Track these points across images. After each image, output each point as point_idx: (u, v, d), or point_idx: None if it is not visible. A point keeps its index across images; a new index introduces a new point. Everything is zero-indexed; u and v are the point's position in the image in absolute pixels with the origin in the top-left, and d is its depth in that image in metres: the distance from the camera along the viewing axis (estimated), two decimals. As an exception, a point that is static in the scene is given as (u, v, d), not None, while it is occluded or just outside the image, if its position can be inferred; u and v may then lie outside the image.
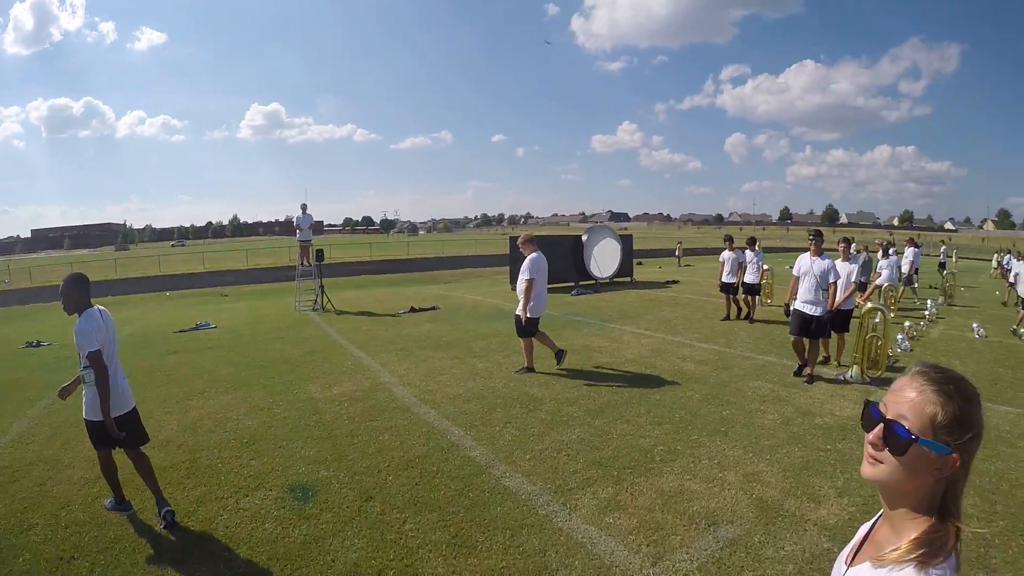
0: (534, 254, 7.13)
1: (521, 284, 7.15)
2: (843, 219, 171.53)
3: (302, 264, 14.79)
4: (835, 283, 6.79)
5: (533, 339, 7.22)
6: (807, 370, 6.87)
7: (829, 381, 6.90)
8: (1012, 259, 17.21)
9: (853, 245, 7.91)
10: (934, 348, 9.29)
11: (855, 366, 7.07)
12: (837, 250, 7.71)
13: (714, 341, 9.27)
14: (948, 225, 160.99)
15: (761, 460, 4.55)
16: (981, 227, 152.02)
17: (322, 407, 6.02)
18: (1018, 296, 12.04)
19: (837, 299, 6.98)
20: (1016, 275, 12.52)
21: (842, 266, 7.47)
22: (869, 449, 1.01)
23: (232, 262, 39.15)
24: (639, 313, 12.32)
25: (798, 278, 6.95)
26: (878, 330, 7.05)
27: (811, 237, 6.99)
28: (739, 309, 11.39)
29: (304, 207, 14.36)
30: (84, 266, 38.82)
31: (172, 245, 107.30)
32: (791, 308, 7.09)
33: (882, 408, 1.01)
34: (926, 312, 11.76)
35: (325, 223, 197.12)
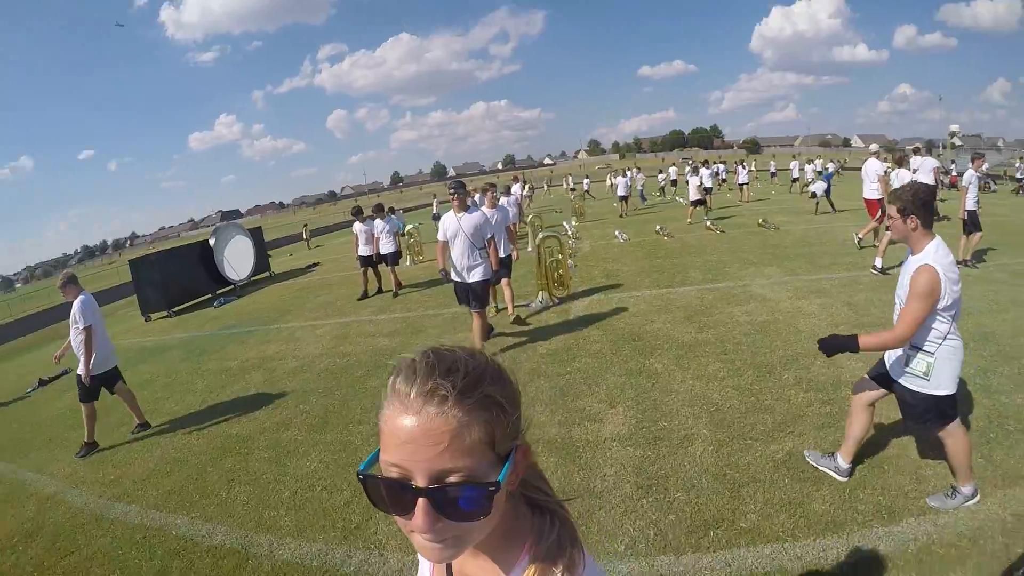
0: (82, 296, 5.30)
1: (77, 338, 5.28)
2: (451, 172, 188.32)
3: None
4: (492, 237, 5.91)
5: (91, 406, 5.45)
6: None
7: (521, 325, 6.89)
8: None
9: (498, 190, 7.72)
10: (596, 257, 10.42)
11: (541, 292, 7.17)
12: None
13: (399, 310, 8.89)
14: (547, 160, 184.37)
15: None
16: (576, 157, 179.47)
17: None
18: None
19: (501, 251, 6.74)
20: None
21: (492, 215, 6.83)
22: (423, 540, 0.68)
23: None
24: (298, 304, 11.20)
25: (446, 242, 5.86)
26: (554, 254, 7.20)
27: (452, 191, 5.81)
28: (379, 280, 10.61)
29: None
30: None
31: None
32: (448, 272, 6.04)
33: (397, 476, 0.67)
34: (569, 231, 12.81)
35: None
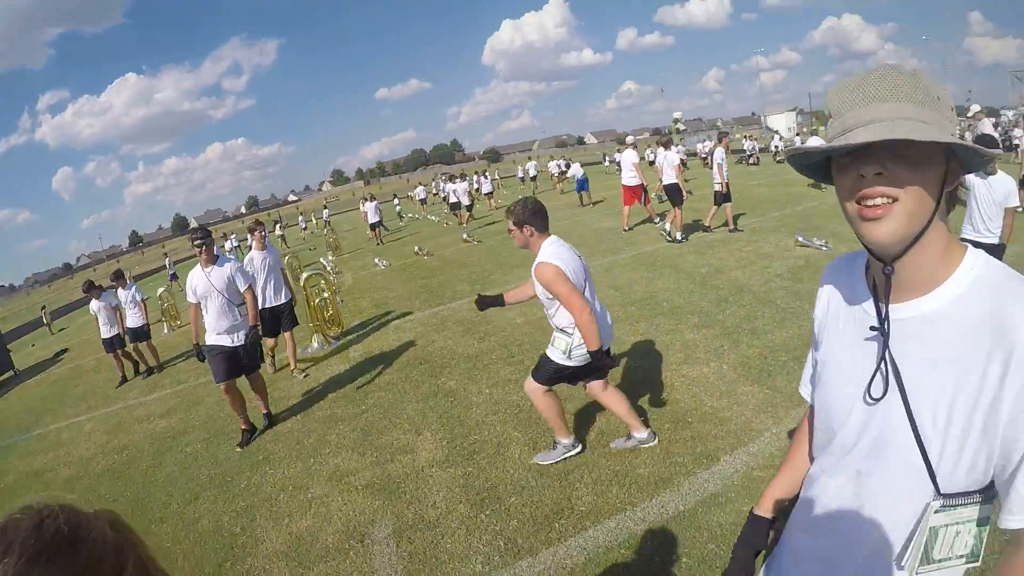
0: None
1: None
2: (193, 223, 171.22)
3: None
4: (250, 288, 4.98)
5: None
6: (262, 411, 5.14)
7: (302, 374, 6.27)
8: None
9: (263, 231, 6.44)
10: (361, 288, 10.09)
11: (315, 335, 6.62)
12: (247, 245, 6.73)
13: (169, 385, 7.64)
14: (291, 197, 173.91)
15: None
16: (320, 189, 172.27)
17: None
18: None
19: (282, 297, 6.13)
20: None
21: (259, 259, 6.08)
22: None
23: None
24: (55, 401, 8.82)
25: (198, 303, 4.83)
26: (321, 292, 6.76)
27: (197, 243, 4.73)
28: (135, 363, 8.87)
29: None
30: None
31: None
32: (201, 349, 4.90)
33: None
34: (328, 267, 12.19)
35: None
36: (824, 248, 7.38)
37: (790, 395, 3.68)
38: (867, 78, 0.79)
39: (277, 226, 30.39)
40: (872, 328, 0.88)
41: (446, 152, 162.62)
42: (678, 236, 9.21)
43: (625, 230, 10.98)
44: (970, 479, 0.80)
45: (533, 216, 3.05)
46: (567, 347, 3.05)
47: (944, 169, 0.78)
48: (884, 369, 0.86)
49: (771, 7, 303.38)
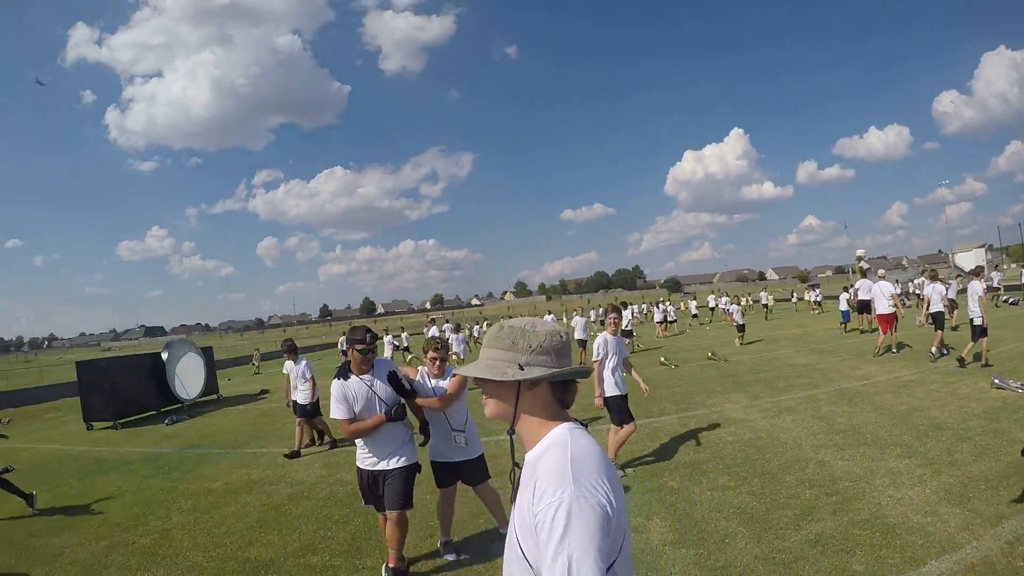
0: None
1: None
2: (380, 308, 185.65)
3: None
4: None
5: None
6: None
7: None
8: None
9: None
10: None
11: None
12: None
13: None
14: (475, 301, 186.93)
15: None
16: (503, 298, 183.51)
17: None
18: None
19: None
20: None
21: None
22: None
23: None
24: (267, 430, 10.88)
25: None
26: None
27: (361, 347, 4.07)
28: (320, 432, 8.70)
29: None
30: None
31: None
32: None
33: None
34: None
35: None
36: (1020, 391, 7.54)
37: (990, 517, 4.14)
38: None
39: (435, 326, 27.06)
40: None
41: (628, 277, 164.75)
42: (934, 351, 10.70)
43: (876, 355, 11.88)
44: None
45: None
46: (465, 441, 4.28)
47: None
48: None
49: (952, 134, 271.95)
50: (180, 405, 14.65)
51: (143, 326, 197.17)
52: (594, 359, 5.95)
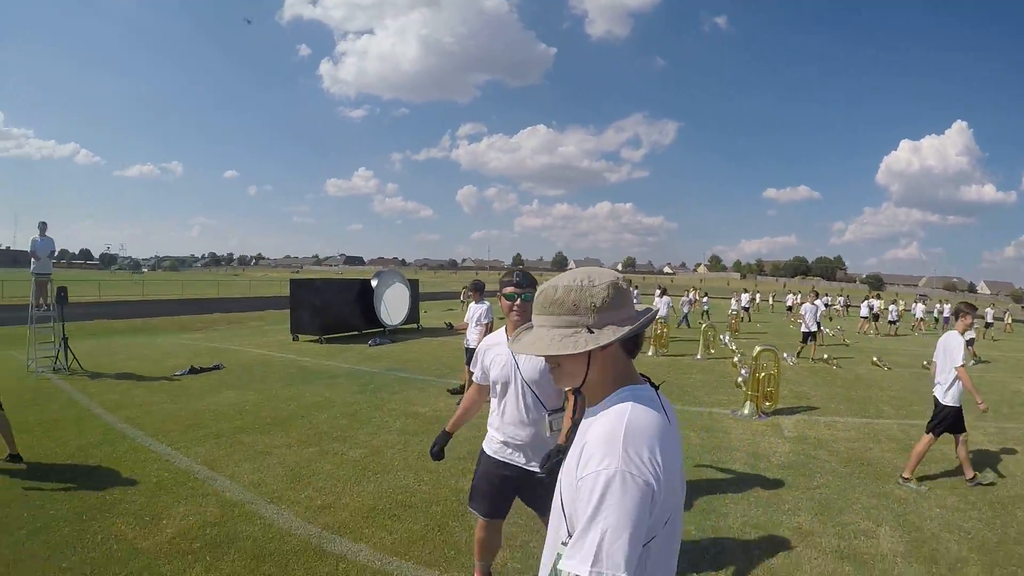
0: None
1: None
2: (572, 264, 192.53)
3: (37, 306, 10.47)
4: None
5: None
6: None
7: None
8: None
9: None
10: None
11: (748, 403, 7.21)
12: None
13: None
14: (667, 269, 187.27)
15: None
16: (695, 270, 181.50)
17: (162, 571, 3.44)
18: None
19: None
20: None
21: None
22: None
23: None
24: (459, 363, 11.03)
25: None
26: (770, 369, 7.38)
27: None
28: None
29: (43, 227, 10.46)
30: None
31: None
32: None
33: None
34: (732, 347, 11.90)
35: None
36: None
37: None
38: None
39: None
40: None
41: (828, 267, 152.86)
42: None
43: None
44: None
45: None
46: None
47: None
48: None
49: None
50: (382, 329, 15.96)
51: (343, 255, 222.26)
52: (960, 363, 5.30)
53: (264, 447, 5.86)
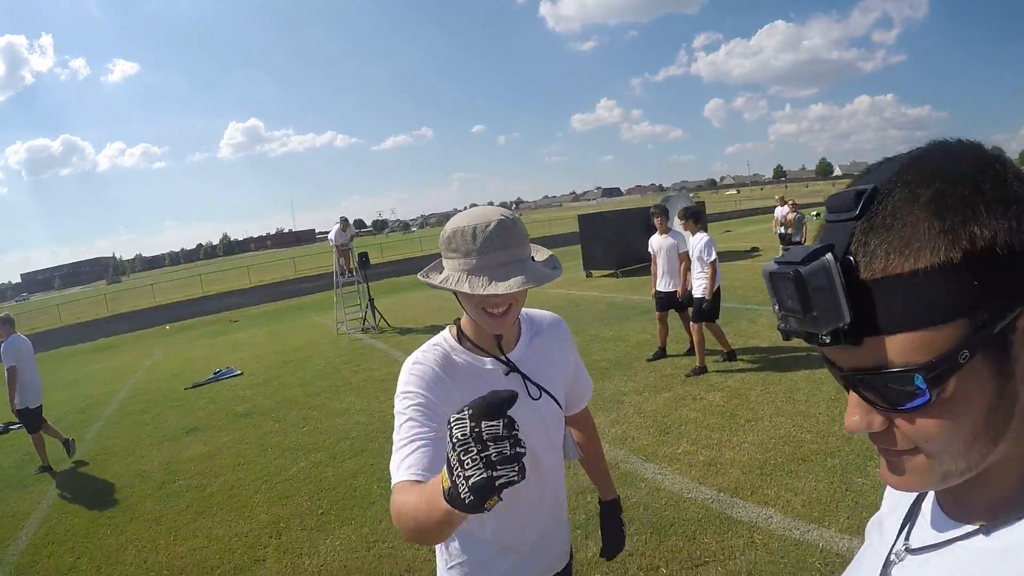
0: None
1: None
2: (837, 171, 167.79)
3: (343, 272, 11.24)
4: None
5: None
6: None
7: None
8: None
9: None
10: None
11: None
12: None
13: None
14: None
15: None
16: None
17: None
18: None
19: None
20: None
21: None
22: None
23: (233, 281, 34.63)
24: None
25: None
26: None
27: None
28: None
29: (344, 221, 11.06)
30: (74, 306, 35.48)
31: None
32: None
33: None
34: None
35: (316, 231, 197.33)
36: None
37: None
38: None
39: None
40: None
41: None
42: None
43: None
44: None
45: None
46: None
47: None
48: None
49: None
50: (680, 255, 14.65)
51: (600, 188, 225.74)
52: None
53: (611, 394, 5.25)
